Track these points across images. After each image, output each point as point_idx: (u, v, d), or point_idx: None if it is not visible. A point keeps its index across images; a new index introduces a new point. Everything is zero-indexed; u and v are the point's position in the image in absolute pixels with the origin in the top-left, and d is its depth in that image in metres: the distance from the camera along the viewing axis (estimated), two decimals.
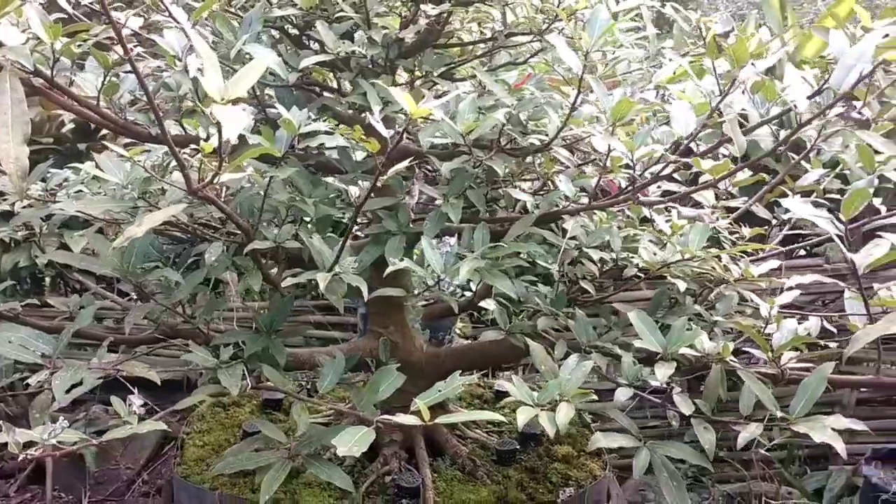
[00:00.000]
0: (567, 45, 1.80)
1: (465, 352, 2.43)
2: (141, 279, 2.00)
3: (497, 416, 1.56)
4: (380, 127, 1.50)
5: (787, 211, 2.77)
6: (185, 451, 2.48)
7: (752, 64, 1.60)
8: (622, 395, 1.81)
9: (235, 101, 1.26)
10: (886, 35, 1.53)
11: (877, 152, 2.26)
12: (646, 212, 2.32)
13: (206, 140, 1.57)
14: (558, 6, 1.96)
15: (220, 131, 1.21)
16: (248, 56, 1.89)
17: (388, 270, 1.80)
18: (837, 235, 1.74)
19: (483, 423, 2.60)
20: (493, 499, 2.19)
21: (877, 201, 2.31)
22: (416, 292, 2.04)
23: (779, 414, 1.63)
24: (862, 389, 3.77)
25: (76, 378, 1.68)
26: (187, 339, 2.15)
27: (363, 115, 2.15)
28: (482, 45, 2.29)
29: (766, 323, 1.94)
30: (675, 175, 2.22)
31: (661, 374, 1.68)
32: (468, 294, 2.72)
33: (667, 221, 2.21)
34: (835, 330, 2.11)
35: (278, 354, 1.99)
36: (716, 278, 2.13)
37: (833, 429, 1.57)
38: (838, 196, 2.40)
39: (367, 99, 1.94)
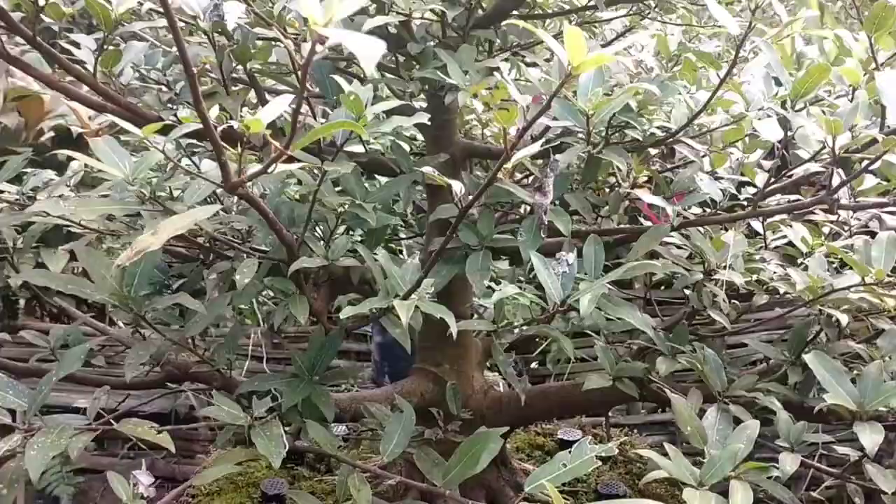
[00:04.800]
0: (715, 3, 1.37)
1: (541, 397, 1.96)
2: (146, 308, 1.52)
3: None
4: (513, 91, 1.05)
5: None
6: None
7: None
8: (789, 463, 1.36)
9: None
10: None
11: None
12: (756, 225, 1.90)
13: (254, 113, 1.14)
14: None
15: (302, 74, 0.76)
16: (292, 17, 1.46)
17: (477, 301, 1.35)
18: None
19: None
20: None
21: None
22: (505, 323, 1.57)
23: None
24: None
25: (58, 447, 1.21)
26: (203, 382, 1.70)
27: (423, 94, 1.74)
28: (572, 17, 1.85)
29: None
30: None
31: (870, 441, 1.22)
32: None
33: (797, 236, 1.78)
34: None
35: (324, 406, 1.52)
36: (868, 308, 1.69)
37: None
38: None
39: (436, 74, 1.51)
